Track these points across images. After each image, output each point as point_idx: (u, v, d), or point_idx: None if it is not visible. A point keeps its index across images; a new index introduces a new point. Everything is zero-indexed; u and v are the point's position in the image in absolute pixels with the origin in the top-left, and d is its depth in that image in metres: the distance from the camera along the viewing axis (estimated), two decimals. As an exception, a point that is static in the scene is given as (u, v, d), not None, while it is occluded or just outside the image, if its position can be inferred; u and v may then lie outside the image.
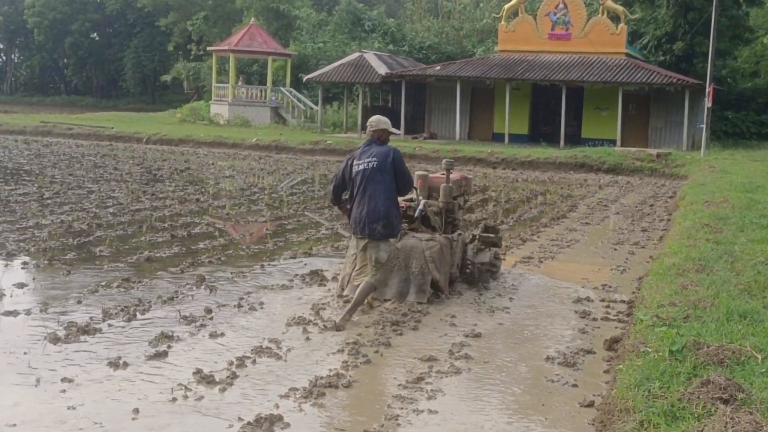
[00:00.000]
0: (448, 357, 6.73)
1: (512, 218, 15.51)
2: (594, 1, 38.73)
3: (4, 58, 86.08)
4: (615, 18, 34.94)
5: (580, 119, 34.90)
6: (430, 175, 9.69)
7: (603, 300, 8.99)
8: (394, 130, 8.56)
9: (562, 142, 32.11)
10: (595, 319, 8.16)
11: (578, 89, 33.89)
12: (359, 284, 8.03)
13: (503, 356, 6.97)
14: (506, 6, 36.85)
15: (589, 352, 7.00)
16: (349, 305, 7.87)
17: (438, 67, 36.07)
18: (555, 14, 34.88)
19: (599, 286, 9.75)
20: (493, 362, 6.75)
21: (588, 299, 8.99)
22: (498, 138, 34.25)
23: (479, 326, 7.76)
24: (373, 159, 8.02)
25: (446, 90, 35.76)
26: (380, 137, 8.25)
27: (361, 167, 8.03)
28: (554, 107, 33.80)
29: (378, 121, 8.35)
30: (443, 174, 9.44)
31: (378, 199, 7.92)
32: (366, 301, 8.14)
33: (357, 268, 8.31)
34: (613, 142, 31.77)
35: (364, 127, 35.44)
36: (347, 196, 8.26)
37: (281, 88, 42.06)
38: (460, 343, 7.11)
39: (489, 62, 35.34)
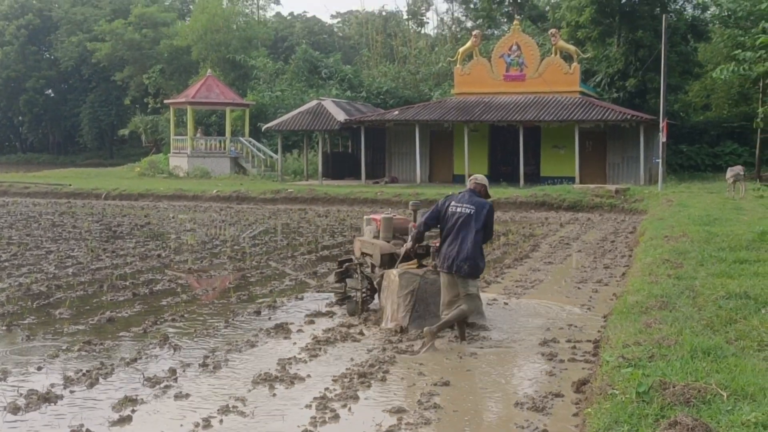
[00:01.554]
0: (417, 407, 6.68)
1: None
2: (546, 41, 39.43)
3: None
4: (568, 57, 35.57)
5: (538, 158, 35.30)
6: (394, 217, 10.35)
7: (569, 340, 9.01)
8: (490, 193, 9.47)
9: (521, 182, 32.40)
10: (562, 361, 8.16)
11: (535, 128, 34.32)
12: (448, 314, 8.84)
13: (472, 404, 6.94)
14: (461, 49, 37.36)
15: (558, 395, 6.99)
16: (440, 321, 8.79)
17: (396, 112, 36.37)
18: (509, 56, 35.41)
19: (564, 326, 9.77)
20: (462, 410, 6.71)
21: (554, 340, 9.00)
22: (458, 179, 34.46)
23: (447, 374, 7.72)
24: (472, 207, 8.89)
25: (405, 134, 36.02)
26: (481, 190, 9.12)
27: (458, 210, 8.91)
28: (512, 147, 34.17)
29: (483, 178, 9.31)
30: (404, 217, 9.88)
31: (468, 242, 8.76)
32: (460, 334, 9.02)
33: (444, 302, 9.01)
34: (572, 180, 32.14)
35: (325, 174, 35.79)
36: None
37: (240, 138, 42.07)
38: (428, 393, 7.06)
39: (446, 105, 35.71)
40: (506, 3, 52.14)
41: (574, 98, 34.04)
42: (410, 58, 53.52)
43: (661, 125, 29.83)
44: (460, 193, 9.12)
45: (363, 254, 10.62)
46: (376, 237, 10.41)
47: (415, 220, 9.98)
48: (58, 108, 74.60)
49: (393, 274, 9.58)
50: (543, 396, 6.94)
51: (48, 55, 73.89)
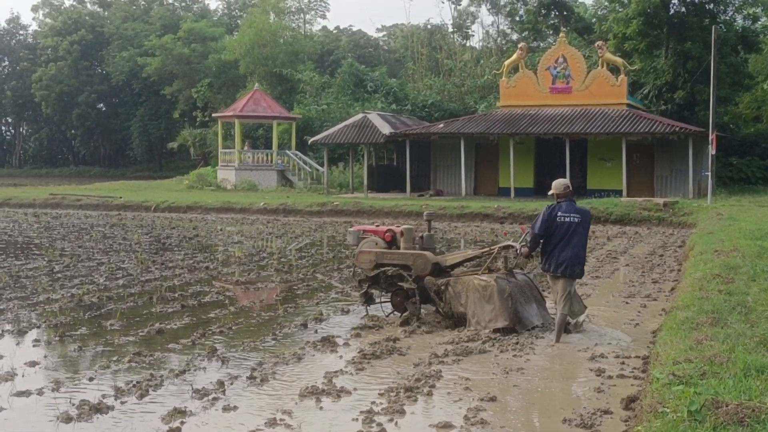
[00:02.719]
0: (463, 423, 6.65)
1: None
2: (593, 53, 39.15)
3: (13, 131, 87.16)
4: (615, 69, 35.28)
5: (584, 171, 35.02)
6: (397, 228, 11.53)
7: (618, 356, 8.91)
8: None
9: (568, 195, 32.08)
10: (610, 377, 8.07)
11: (582, 141, 34.07)
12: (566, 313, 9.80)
13: (520, 420, 6.89)
14: (506, 62, 37.27)
15: (606, 412, 6.91)
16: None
17: (441, 125, 36.37)
18: (555, 68, 35.23)
19: (613, 341, 9.67)
20: (509, 426, 6.67)
21: (603, 356, 8.91)
22: (504, 192, 34.33)
23: (494, 389, 7.69)
24: (578, 215, 9.80)
25: (450, 147, 35.98)
26: (569, 195, 9.96)
27: (567, 219, 9.74)
28: (558, 160, 33.93)
29: (565, 181, 10.22)
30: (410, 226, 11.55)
31: (579, 247, 9.77)
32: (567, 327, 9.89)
33: (560, 301, 9.83)
34: (618, 193, 31.81)
35: (370, 187, 35.89)
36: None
37: (287, 151, 42.40)
38: (475, 408, 7.03)
39: (492, 118, 35.62)
40: (552, 15, 51.90)
41: (621, 110, 33.73)
42: (455, 71, 53.52)
43: (710, 137, 29.41)
44: (558, 203, 9.85)
45: (380, 265, 10.95)
46: (386, 247, 11.23)
47: (429, 230, 11.45)
48: (109, 122, 75.94)
49: (479, 280, 10.31)
50: (591, 413, 6.87)
51: (100, 70, 75.30)
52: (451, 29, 67.92)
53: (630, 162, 32.86)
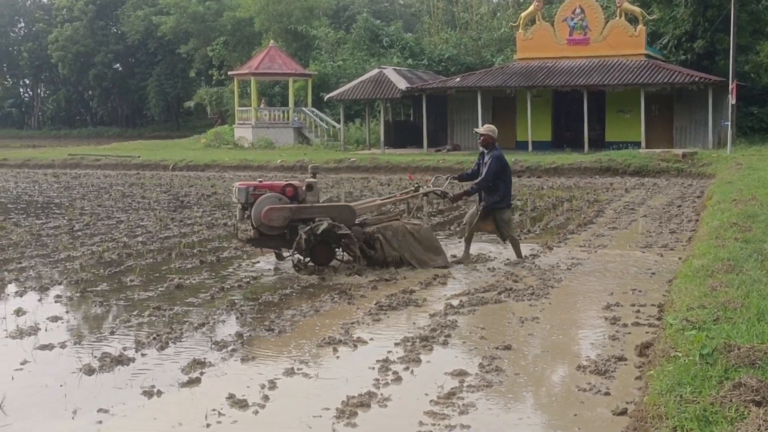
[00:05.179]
0: (479, 370, 6.73)
1: (539, 226, 15.49)
2: (611, 3, 38.61)
3: (31, 93, 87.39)
4: (633, 20, 34.84)
5: (603, 123, 34.76)
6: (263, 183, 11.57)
7: (633, 305, 8.94)
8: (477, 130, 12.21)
9: (586, 147, 31.98)
10: (625, 325, 8.12)
11: (600, 93, 33.78)
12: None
13: (534, 367, 6.97)
14: (523, 14, 36.88)
15: (621, 359, 6.97)
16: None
17: (458, 79, 36.13)
18: (572, 19, 34.83)
19: (628, 290, 9.70)
20: (524, 374, 6.75)
21: (618, 304, 8.95)
22: (521, 146, 34.18)
23: (509, 338, 7.76)
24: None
25: (467, 101, 35.78)
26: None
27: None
28: (576, 112, 33.71)
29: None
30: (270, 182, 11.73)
31: None
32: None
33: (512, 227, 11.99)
34: (637, 145, 31.60)
35: (387, 143, 35.81)
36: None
37: (303, 109, 42.32)
38: (490, 356, 7.11)
39: (509, 71, 35.34)
40: (570, -35, 51.18)
41: (640, 61, 33.36)
42: (472, 25, 52.97)
43: (730, 87, 29.11)
44: (497, 147, 11.51)
45: (295, 221, 10.99)
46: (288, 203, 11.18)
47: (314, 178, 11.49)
48: (126, 81, 75.95)
49: (411, 224, 11.49)
50: (606, 359, 6.92)
51: (115, 30, 75.13)
52: (467, -18, 67.06)
53: (649, 113, 32.59)
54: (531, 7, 36.44)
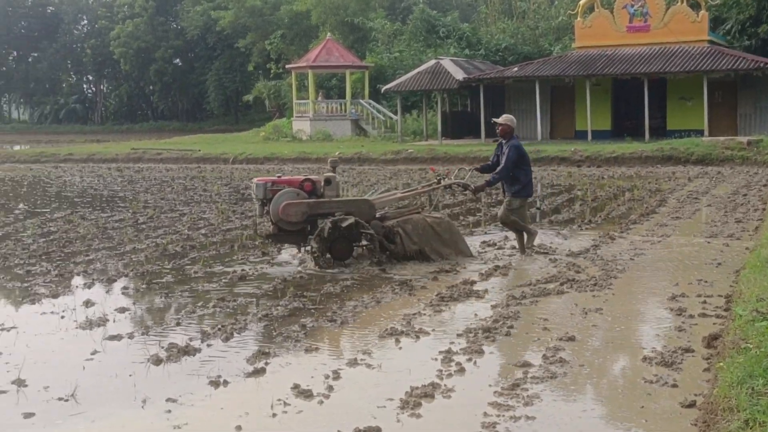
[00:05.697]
0: (542, 362, 6.69)
1: (600, 216, 15.32)
2: (672, -11, 37.89)
3: (94, 89, 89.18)
4: (695, 5, 34.15)
5: (664, 111, 34.18)
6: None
7: (699, 295, 8.79)
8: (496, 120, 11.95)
9: (647, 136, 31.49)
10: (692, 316, 7.99)
11: (661, 81, 33.22)
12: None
13: (599, 359, 6.90)
14: (581, 2, 36.39)
15: (688, 350, 6.85)
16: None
17: (515, 69, 35.85)
18: (632, 6, 34.29)
19: (694, 281, 9.54)
20: (588, 365, 6.69)
21: (683, 295, 8.81)
22: (581, 135, 33.81)
23: (572, 329, 7.69)
24: None
25: (525, 91, 35.49)
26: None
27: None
28: (637, 100, 33.18)
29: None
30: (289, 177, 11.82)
31: None
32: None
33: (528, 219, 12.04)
34: (700, 133, 30.99)
35: (444, 134, 35.73)
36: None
37: (360, 101, 42.42)
38: (554, 347, 7.06)
39: (567, 60, 34.96)
40: (629, -49, 50.36)
41: (702, 48, 32.70)
42: (529, 13, 52.43)
43: (797, 73, 28.36)
44: (515, 136, 11.59)
45: (313, 215, 10.91)
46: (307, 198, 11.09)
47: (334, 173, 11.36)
48: (186, 76, 76.99)
49: (431, 218, 11.41)
50: (672, 351, 6.82)
51: (175, 25, 76.19)
52: (524, -30, 66.43)
53: (712, 100, 31.95)
54: (590, -5, 35.96)
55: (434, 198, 13.13)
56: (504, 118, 11.60)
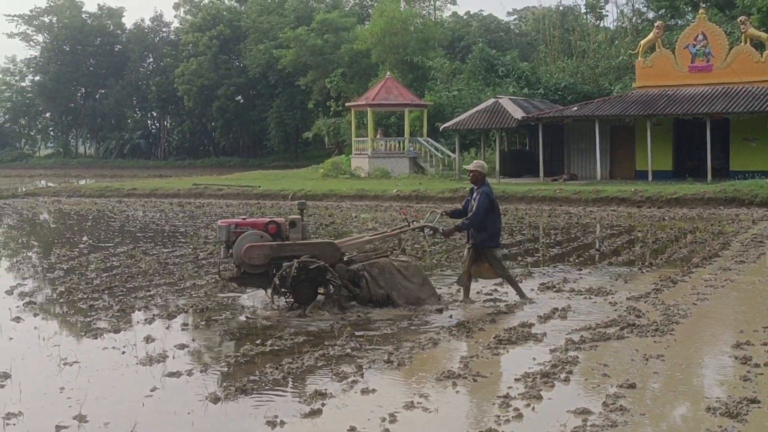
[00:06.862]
0: (602, 409, 6.57)
1: (661, 259, 15.06)
2: (735, 29, 37.47)
3: (158, 125, 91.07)
4: (759, 45, 33.65)
5: (727, 151, 33.58)
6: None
7: (765, 344, 8.57)
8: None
9: (709, 177, 30.98)
10: (757, 365, 7.78)
11: (723, 121, 32.71)
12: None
13: (661, 407, 6.75)
14: (642, 41, 36.18)
15: (754, 401, 6.67)
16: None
17: (575, 108, 35.67)
18: (694, 46, 33.94)
19: (759, 328, 9.30)
20: (650, 414, 6.55)
21: (748, 343, 8.59)
22: (641, 175, 33.40)
23: (633, 375, 7.55)
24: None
25: (584, 130, 35.27)
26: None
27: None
28: (699, 141, 32.70)
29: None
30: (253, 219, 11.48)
31: None
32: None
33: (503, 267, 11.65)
34: (764, 174, 30.34)
35: (502, 173, 35.65)
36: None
37: (419, 139, 42.59)
38: (614, 395, 6.93)
39: (628, 99, 34.68)
40: (691, -9, 49.97)
41: (766, 88, 32.14)
42: (589, 53, 52.28)
43: None
44: (486, 183, 11.31)
45: (276, 258, 10.66)
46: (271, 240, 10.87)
47: (302, 218, 11.13)
48: (247, 113, 78.23)
49: (399, 261, 11.23)
50: (737, 401, 6.64)
51: (237, 63, 77.61)
52: (584, 10, 66.43)
53: (776, 141, 31.32)
54: (651, 35, 35.74)
55: (403, 241, 12.89)
56: (474, 165, 11.44)
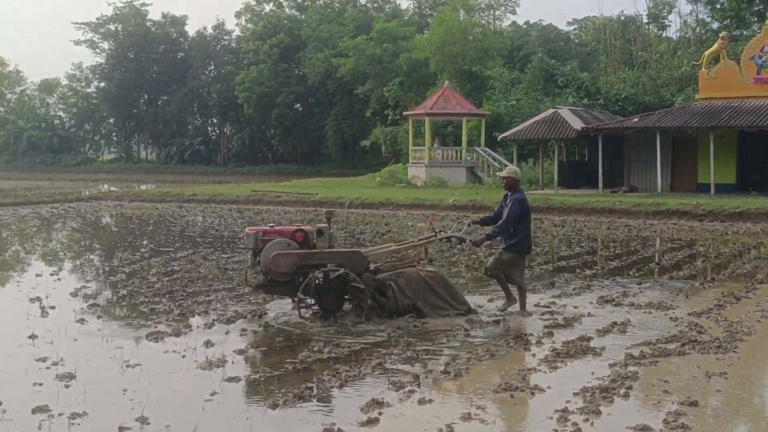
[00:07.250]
0: (663, 427, 6.48)
1: (724, 274, 14.78)
2: (804, 40, 36.60)
3: (218, 131, 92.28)
4: (828, 57, 32.89)
5: (794, 165, 32.87)
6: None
7: (832, 364, 8.37)
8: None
9: (774, 191, 30.34)
10: (824, 386, 7.61)
11: (790, 134, 32.01)
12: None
13: (724, 427, 6.64)
14: (706, 52, 35.62)
15: (820, 422, 6.53)
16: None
17: (636, 119, 35.21)
18: (761, 57, 33.28)
19: (827, 348, 9.09)
20: (712, 433, 6.45)
21: (815, 363, 8.40)
22: (703, 188, 32.82)
23: (695, 393, 7.43)
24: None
25: (645, 141, 34.80)
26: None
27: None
28: (764, 154, 32.07)
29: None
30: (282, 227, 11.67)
31: None
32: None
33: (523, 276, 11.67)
34: (833, 189, 29.64)
35: (561, 183, 35.35)
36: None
37: (476, 148, 42.46)
38: (675, 412, 6.83)
39: (690, 111, 34.13)
40: (756, 1, 49.05)
41: (836, 100, 31.39)
42: (651, 63, 51.59)
43: None
44: (520, 189, 11.35)
45: (303, 266, 10.71)
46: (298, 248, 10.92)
47: (329, 227, 11.14)
48: (306, 121, 78.85)
49: (425, 271, 11.22)
50: (803, 422, 6.51)
51: (297, 72, 78.30)
52: (646, 20, 65.55)
53: None
54: (715, 45, 35.17)
55: (430, 251, 12.82)
56: (507, 171, 11.56)
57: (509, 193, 11.38)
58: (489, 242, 12.12)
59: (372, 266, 11.20)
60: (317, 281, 10.68)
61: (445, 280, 11.39)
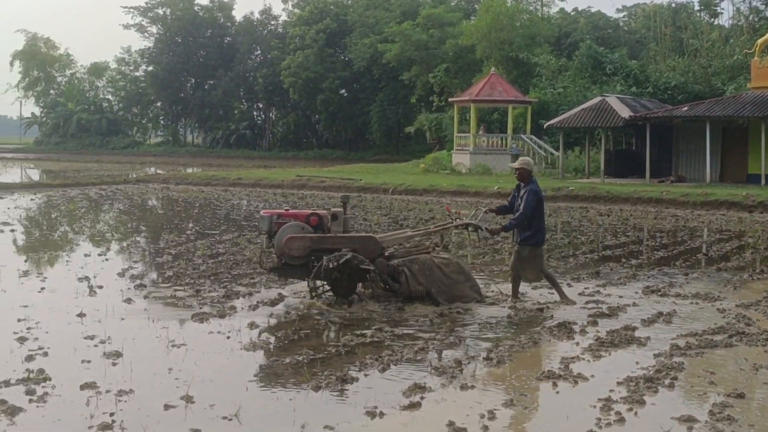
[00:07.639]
0: (708, 418, 6.40)
1: (774, 267, 14.53)
2: None
3: (263, 116, 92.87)
4: None
5: None
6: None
7: None
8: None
9: (827, 183, 29.70)
10: None
11: None
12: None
13: (770, 419, 6.54)
14: (759, 41, 34.92)
15: None
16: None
17: (685, 108, 34.66)
18: (816, 46, 32.53)
19: None
20: (759, 426, 6.35)
21: None
22: (753, 179, 32.23)
23: (741, 385, 7.33)
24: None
25: (694, 131, 34.25)
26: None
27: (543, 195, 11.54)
28: (817, 145, 31.34)
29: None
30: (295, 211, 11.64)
31: None
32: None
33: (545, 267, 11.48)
34: None
35: (607, 172, 35.00)
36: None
37: (522, 136, 42.16)
38: (721, 404, 6.74)
39: (741, 100, 33.49)
40: (814, -12, 47.94)
41: None
42: (702, 51, 50.69)
43: None
44: (534, 180, 11.15)
45: (316, 250, 10.71)
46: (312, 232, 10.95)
47: (345, 212, 11.23)
48: (351, 107, 78.96)
49: (439, 258, 11.07)
50: None
51: (342, 57, 78.39)
52: (697, 7, 64.50)
53: None
54: (768, 34, 34.46)
55: (446, 238, 12.67)
56: (520, 162, 11.28)
57: (522, 184, 11.22)
58: (504, 232, 11.96)
59: (386, 252, 11.14)
60: (331, 264, 10.61)
61: (460, 267, 11.25)
